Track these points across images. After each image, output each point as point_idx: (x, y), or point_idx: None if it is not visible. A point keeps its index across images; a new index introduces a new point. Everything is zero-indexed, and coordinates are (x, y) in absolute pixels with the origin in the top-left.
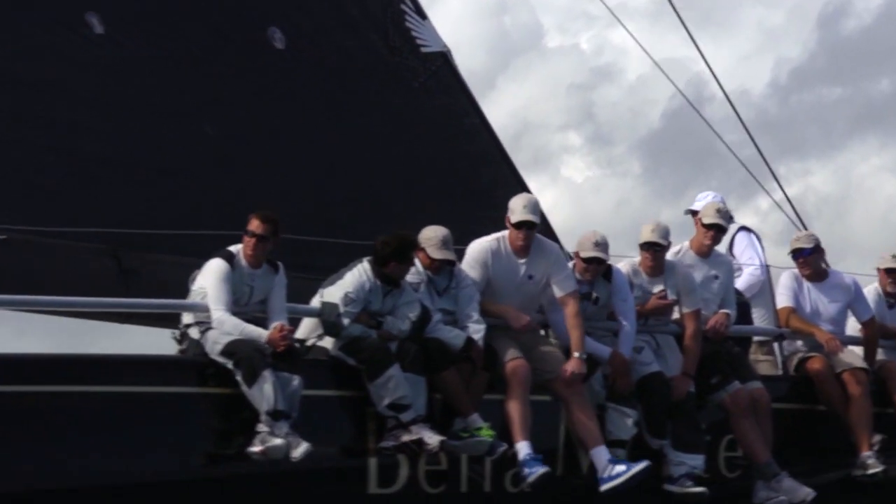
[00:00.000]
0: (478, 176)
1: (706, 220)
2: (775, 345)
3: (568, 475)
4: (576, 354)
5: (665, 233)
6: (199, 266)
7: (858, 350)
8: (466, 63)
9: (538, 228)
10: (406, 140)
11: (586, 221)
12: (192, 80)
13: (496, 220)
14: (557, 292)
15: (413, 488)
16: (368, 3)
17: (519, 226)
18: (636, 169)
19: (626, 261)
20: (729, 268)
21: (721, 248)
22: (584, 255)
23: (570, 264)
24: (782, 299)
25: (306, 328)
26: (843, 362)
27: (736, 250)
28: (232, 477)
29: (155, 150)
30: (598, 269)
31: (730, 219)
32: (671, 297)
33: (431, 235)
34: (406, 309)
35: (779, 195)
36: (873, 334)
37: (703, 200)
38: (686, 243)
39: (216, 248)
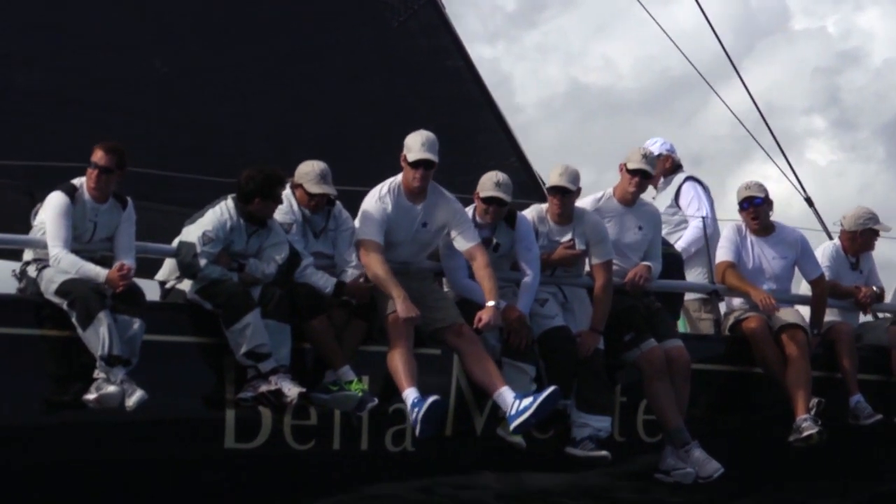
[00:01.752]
0: (458, 120)
1: (630, 166)
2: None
3: (461, 435)
4: (490, 303)
5: (574, 177)
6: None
7: (804, 309)
8: (711, 45)
9: (436, 168)
10: (380, 81)
11: (829, 206)
12: (142, 12)
13: (477, 167)
14: (461, 245)
15: (276, 443)
16: None
17: (416, 165)
18: (880, 154)
19: (532, 206)
20: (655, 218)
21: (667, 198)
22: (483, 194)
23: (470, 209)
24: (721, 253)
25: (166, 269)
26: (780, 321)
27: (682, 201)
28: (69, 425)
29: (95, 85)
30: (498, 210)
31: (654, 165)
32: (580, 246)
33: (308, 170)
34: (273, 251)
35: None
36: (822, 293)
37: (653, 146)
38: (609, 190)
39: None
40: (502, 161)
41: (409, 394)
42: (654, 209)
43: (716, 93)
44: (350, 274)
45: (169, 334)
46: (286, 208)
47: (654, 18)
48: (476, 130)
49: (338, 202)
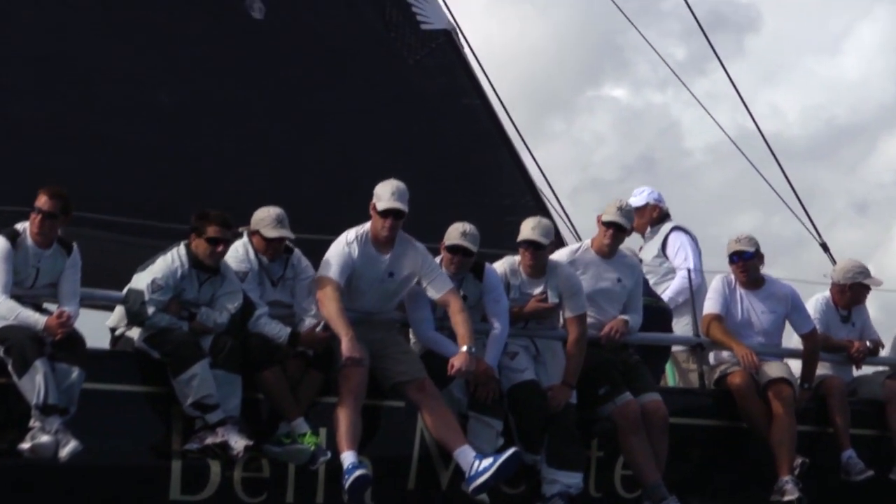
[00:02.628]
0: (472, 159)
1: (604, 218)
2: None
3: (424, 489)
4: (463, 348)
5: (547, 231)
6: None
7: (795, 363)
8: (877, 96)
9: (405, 219)
10: (394, 118)
11: None
12: (152, 46)
13: (488, 207)
14: (434, 293)
15: (225, 496)
16: None
17: (385, 214)
18: None
19: (505, 258)
20: (635, 270)
21: (654, 247)
22: (448, 242)
23: (438, 259)
24: (709, 305)
25: (117, 316)
26: (767, 375)
27: (669, 251)
28: (6, 472)
29: (94, 117)
30: (463, 261)
31: (632, 218)
32: (552, 299)
33: (264, 215)
34: (226, 299)
35: None
36: (813, 348)
37: (640, 195)
38: (587, 241)
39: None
40: (517, 200)
41: (346, 457)
42: (634, 261)
43: None
44: (308, 323)
45: (116, 383)
46: (241, 256)
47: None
48: (491, 169)
49: (297, 250)
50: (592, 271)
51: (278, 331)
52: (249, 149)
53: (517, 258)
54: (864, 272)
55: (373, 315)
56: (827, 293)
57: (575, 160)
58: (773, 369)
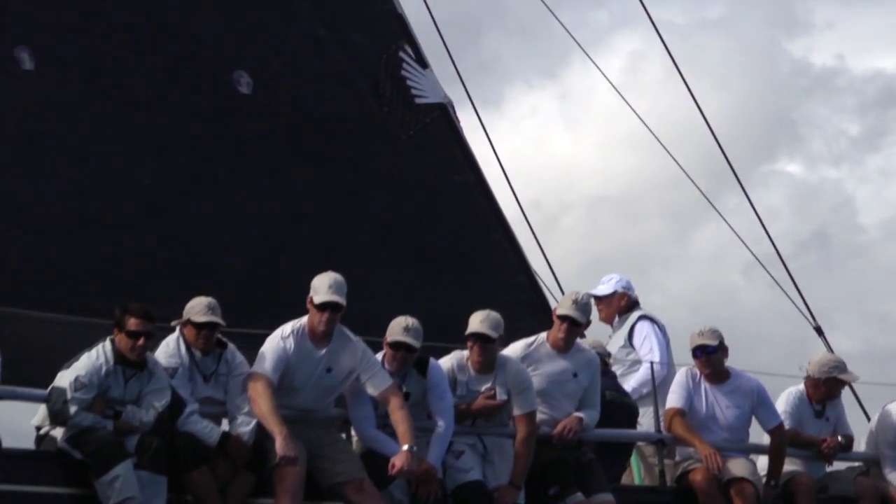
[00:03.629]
0: (465, 238)
1: (559, 311)
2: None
3: None
4: (404, 447)
5: (496, 324)
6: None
7: (764, 459)
8: None
9: (343, 312)
10: (383, 196)
11: None
12: (132, 123)
13: (482, 288)
14: (374, 389)
15: None
16: (361, 50)
17: (322, 307)
18: None
19: (452, 353)
20: (592, 365)
21: (621, 337)
22: (390, 338)
23: (380, 355)
24: (672, 399)
25: (41, 414)
26: (730, 473)
27: (635, 341)
28: None
29: (70, 197)
30: (405, 357)
31: (588, 311)
32: (501, 396)
33: (195, 303)
34: (153, 397)
35: None
36: (780, 444)
37: (608, 284)
38: (543, 335)
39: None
40: (511, 279)
41: None
42: (591, 355)
43: None
44: (241, 421)
45: (38, 484)
46: (172, 350)
47: None
48: (483, 247)
49: (230, 345)
50: (547, 366)
51: (209, 430)
52: (232, 229)
53: (465, 353)
54: (840, 367)
55: (310, 412)
56: (801, 386)
57: (748, 235)
58: (736, 467)
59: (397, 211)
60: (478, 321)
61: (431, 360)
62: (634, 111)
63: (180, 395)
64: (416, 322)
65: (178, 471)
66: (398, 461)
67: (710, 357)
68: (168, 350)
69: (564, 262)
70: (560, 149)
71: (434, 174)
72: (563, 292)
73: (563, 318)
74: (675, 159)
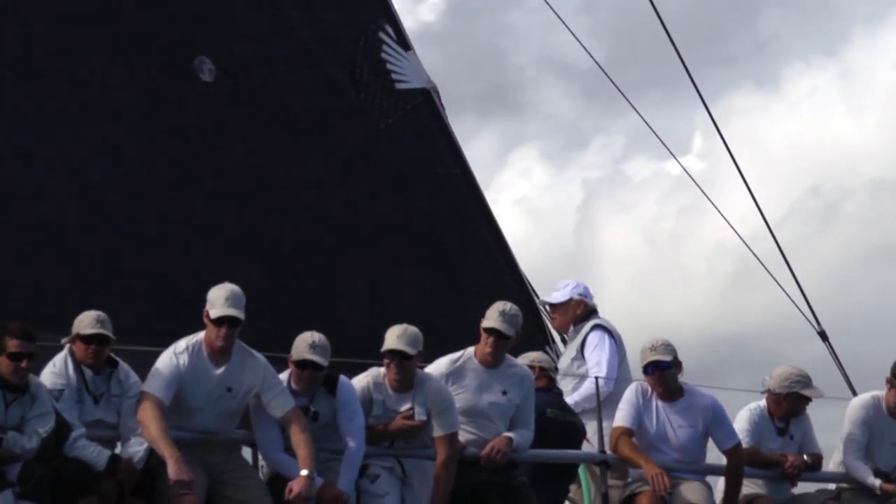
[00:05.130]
0: (448, 236)
1: (484, 324)
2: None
3: None
4: (303, 472)
5: (414, 340)
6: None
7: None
8: None
9: (241, 327)
10: (358, 191)
11: None
12: (80, 116)
13: (467, 286)
14: (275, 411)
15: None
16: (335, 31)
17: (219, 322)
18: None
19: (369, 371)
20: (524, 381)
21: (573, 349)
22: (296, 357)
23: (285, 375)
24: (619, 416)
25: None
26: (680, 497)
27: (586, 352)
28: None
29: (8, 200)
30: (313, 376)
31: (517, 323)
32: (420, 417)
33: (83, 317)
34: (36, 422)
35: None
36: (736, 465)
37: (563, 290)
38: (471, 349)
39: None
40: (495, 279)
41: None
42: (524, 371)
43: None
44: (133, 442)
45: None
46: (59, 370)
47: None
48: (467, 245)
49: (122, 363)
50: (475, 383)
51: (96, 455)
52: (190, 229)
53: (382, 370)
54: (803, 381)
55: (211, 435)
56: (762, 402)
57: None
58: (688, 491)
59: (373, 207)
60: (394, 337)
61: (341, 378)
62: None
63: (66, 418)
64: (323, 338)
65: (64, 500)
66: (296, 486)
67: (664, 373)
68: (55, 369)
69: (846, 250)
70: (841, 130)
71: (415, 166)
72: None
73: (488, 330)
74: None
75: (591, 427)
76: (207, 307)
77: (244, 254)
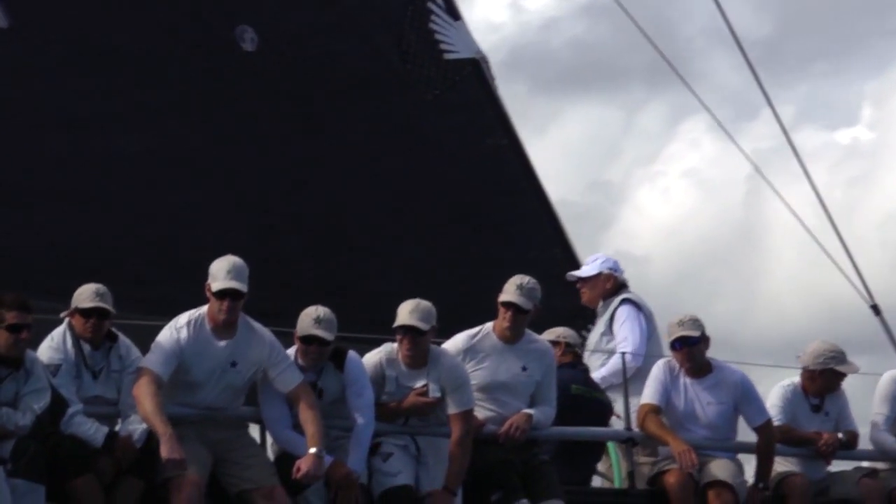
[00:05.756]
0: (495, 208)
1: (502, 298)
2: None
3: None
4: (312, 450)
5: (426, 315)
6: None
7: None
8: None
9: (245, 300)
10: (403, 163)
11: None
12: (120, 86)
13: (511, 263)
14: (283, 386)
15: None
16: (383, 1)
17: (221, 295)
18: None
19: (382, 346)
20: (545, 357)
21: (602, 324)
22: (301, 332)
23: (292, 350)
24: (646, 394)
25: None
26: (710, 475)
27: (615, 327)
28: None
29: (47, 169)
30: (319, 351)
31: (535, 297)
32: (434, 393)
33: (82, 290)
34: (31, 398)
35: None
36: (767, 442)
37: (592, 264)
38: (489, 325)
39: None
40: (543, 252)
41: None
42: (544, 346)
43: None
44: (133, 419)
45: None
46: (57, 344)
47: None
48: (515, 218)
49: (122, 337)
50: (493, 359)
51: (93, 432)
52: (229, 201)
53: (395, 346)
54: (838, 357)
55: (216, 411)
56: (796, 379)
57: None
58: (718, 468)
59: (418, 179)
60: (406, 312)
61: (350, 352)
62: None
63: (62, 394)
64: (329, 312)
65: (60, 478)
66: (304, 465)
67: (692, 349)
68: (52, 344)
69: None
70: None
71: (462, 137)
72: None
73: (506, 304)
74: None
75: (619, 404)
76: (209, 280)
77: (284, 225)
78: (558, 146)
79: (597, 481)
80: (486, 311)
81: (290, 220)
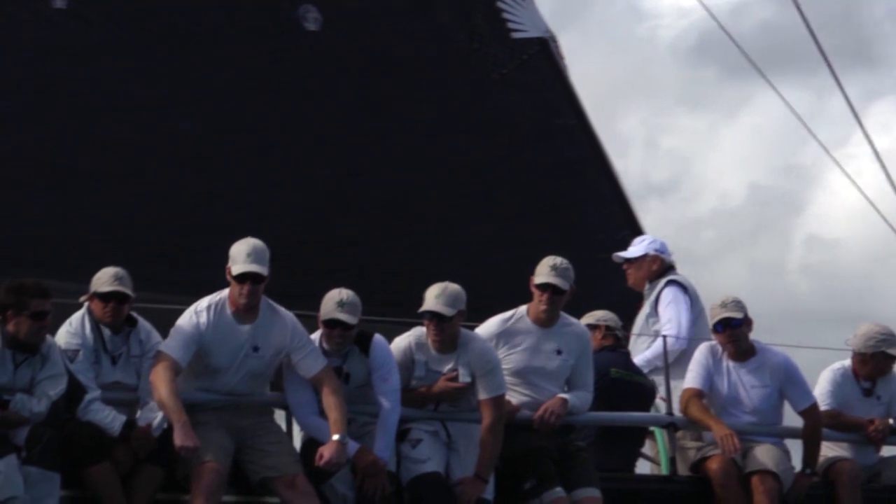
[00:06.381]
0: (563, 189)
1: (536, 280)
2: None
3: None
4: (335, 437)
5: (453, 299)
6: None
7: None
8: None
9: (267, 282)
10: (468, 143)
11: None
12: (179, 67)
13: (579, 244)
14: (306, 371)
15: None
16: None
17: (241, 279)
18: None
19: (412, 330)
20: (581, 341)
21: (648, 306)
22: (324, 316)
23: (316, 335)
24: (689, 378)
25: None
26: (755, 462)
27: (660, 308)
28: None
29: (104, 151)
30: (343, 335)
31: (570, 277)
32: (464, 378)
33: (101, 274)
34: (47, 384)
35: None
36: (814, 426)
37: (639, 245)
38: (523, 308)
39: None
40: (612, 233)
41: None
42: (581, 330)
43: None
44: (152, 407)
45: None
46: (75, 329)
47: None
48: (584, 199)
49: (141, 320)
50: (528, 343)
51: (111, 420)
52: (292, 182)
53: (426, 330)
54: (889, 339)
55: (240, 397)
56: (847, 362)
57: None
58: (762, 454)
59: (483, 159)
60: (432, 297)
61: (376, 336)
62: None
63: (80, 380)
64: (352, 294)
65: (76, 466)
66: (326, 452)
67: (735, 331)
68: (71, 329)
69: None
70: None
71: (530, 117)
72: None
73: (542, 287)
74: None
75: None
76: (230, 263)
77: (347, 207)
78: (749, 130)
79: (646, 467)
80: None
81: (351, 201)
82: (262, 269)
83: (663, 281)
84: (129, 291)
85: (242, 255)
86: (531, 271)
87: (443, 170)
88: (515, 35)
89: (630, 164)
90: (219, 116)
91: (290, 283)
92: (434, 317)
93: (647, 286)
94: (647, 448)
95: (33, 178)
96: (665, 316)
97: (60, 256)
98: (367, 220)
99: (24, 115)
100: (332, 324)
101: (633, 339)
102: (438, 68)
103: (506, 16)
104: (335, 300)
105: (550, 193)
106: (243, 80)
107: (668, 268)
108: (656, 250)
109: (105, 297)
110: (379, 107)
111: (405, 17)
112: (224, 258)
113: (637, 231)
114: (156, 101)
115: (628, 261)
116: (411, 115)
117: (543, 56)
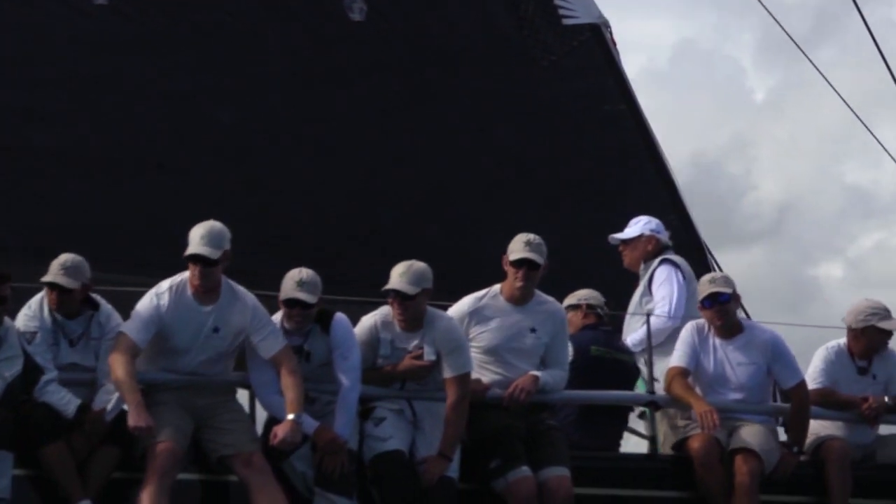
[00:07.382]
0: (610, 174)
1: (512, 256)
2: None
3: None
4: (289, 416)
5: (417, 278)
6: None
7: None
8: None
9: (225, 266)
10: (516, 131)
11: None
12: (220, 58)
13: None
14: (266, 352)
15: None
16: None
17: (193, 260)
18: None
19: (379, 309)
20: (555, 318)
21: (642, 285)
22: (282, 295)
23: (278, 315)
24: (675, 357)
25: None
26: (739, 441)
27: (653, 287)
28: None
29: (141, 141)
30: (303, 314)
31: (544, 252)
32: (429, 357)
33: (54, 262)
34: (3, 366)
35: None
36: (800, 404)
37: (634, 226)
38: (497, 286)
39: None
40: (660, 218)
41: None
42: (555, 308)
43: None
44: (106, 389)
45: None
46: (33, 312)
47: None
48: (631, 185)
49: (104, 306)
50: (500, 321)
51: (65, 402)
52: (336, 171)
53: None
54: (880, 313)
55: (199, 376)
56: (842, 340)
57: None
58: (747, 433)
59: (531, 145)
60: (397, 275)
61: (337, 314)
62: None
63: (37, 362)
64: (312, 274)
65: (31, 446)
66: (280, 431)
67: (723, 306)
68: (29, 312)
69: None
70: None
71: (579, 103)
72: None
73: (517, 263)
74: None
75: (660, 366)
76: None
77: (393, 194)
78: None
79: (640, 446)
80: (599, 279)
81: (398, 189)
82: (211, 253)
83: (657, 260)
84: (70, 284)
85: (196, 237)
86: (579, 255)
87: (491, 156)
88: (567, 21)
89: (881, 175)
90: (262, 107)
91: (333, 271)
92: (398, 295)
93: (642, 266)
94: (642, 427)
95: (76, 171)
96: (658, 294)
97: (104, 247)
98: (413, 208)
99: (68, 111)
100: (291, 303)
101: (627, 318)
102: (486, 56)
103: (557, 2)
104: (294, 279)
105: (599, 179)
106: (287, 70)
107: (663, 248)
108: (652, 230)
109: (49, 286)
110: (424, 96)
111: (453, 5)
112: (257, 247)
113: (684, 217)
114: (199, 93)
115: (624, 242)
116: (458, 103)
117: (595, 42)
